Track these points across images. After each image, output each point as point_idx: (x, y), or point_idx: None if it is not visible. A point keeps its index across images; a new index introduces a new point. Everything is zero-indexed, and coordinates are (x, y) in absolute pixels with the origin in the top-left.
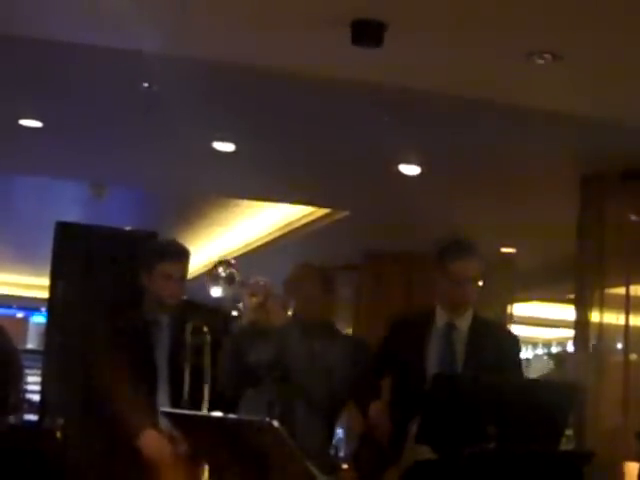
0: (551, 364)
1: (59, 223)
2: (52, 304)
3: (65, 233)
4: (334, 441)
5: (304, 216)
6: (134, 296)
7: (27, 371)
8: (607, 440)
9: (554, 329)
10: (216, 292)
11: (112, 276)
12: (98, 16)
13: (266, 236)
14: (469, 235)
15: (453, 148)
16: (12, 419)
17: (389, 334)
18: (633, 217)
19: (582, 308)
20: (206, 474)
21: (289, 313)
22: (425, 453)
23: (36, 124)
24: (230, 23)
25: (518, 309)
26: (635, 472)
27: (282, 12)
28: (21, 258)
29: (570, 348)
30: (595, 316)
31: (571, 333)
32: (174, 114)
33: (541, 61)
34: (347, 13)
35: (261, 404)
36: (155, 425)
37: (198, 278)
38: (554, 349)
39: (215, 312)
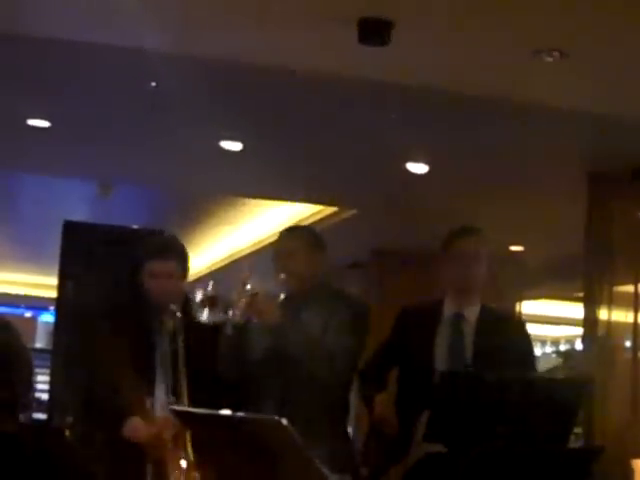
0: (560, 361)
1: (67, 222)
2: (60, 303)
3: (73, 232)
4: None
5: (311, 215)
6: (139, 294)
7: (36, 370)
8: (616, 437)
9: (563, 327)
10: (206, 317)
11: (120, 275)
12: (105, 15)
13: (273, 235)
14: None
15: (461, 146)
16: (22, 418)
17: (396, 325)
18: None
19: (591, 306)
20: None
21: (281, 296)
22: (434, 446)
23: (44, 124)
24: (237, 22)
25: (527, 307)
26: None
27: (289, 11)
28: (29, 257)
29: (579, 346)
30: (604, 314)
31: (580, 331)
32: (181, 113)
33: (549, 59)
34: (353, 12)
35: (265, 394)
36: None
37: (206, 277)
38: (563, 347)
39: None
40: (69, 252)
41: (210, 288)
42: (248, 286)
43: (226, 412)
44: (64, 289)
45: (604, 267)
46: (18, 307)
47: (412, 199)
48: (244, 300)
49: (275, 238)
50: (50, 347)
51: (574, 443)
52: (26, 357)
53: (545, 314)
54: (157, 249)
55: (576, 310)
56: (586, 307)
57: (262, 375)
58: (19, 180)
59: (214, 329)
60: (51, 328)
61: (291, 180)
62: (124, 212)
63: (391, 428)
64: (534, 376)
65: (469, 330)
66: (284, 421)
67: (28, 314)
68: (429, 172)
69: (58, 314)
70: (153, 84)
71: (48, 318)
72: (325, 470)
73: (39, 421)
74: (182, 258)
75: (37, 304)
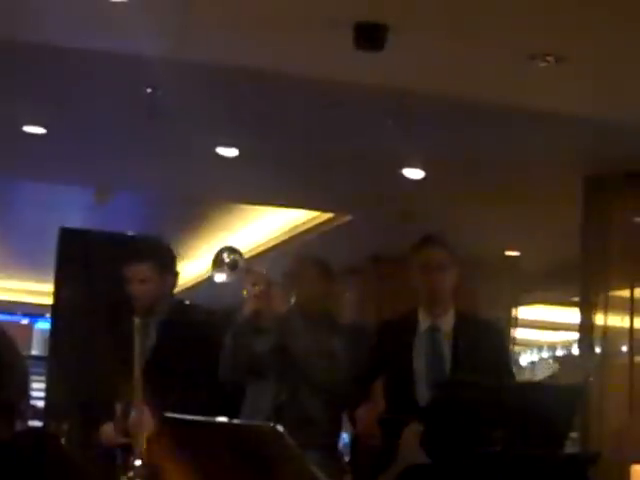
0: (556, 367)
1: (63, 229)
2: (56, 310)
3: (69, 239)
4: (340, 447)
5: (308, 220)
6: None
7: (31, 377)
8: (613, 442)
9: (559, 332)
10: (220, 278)
11: (116, 281)
12: (101, 22)
13: (270, 241)
14: (473, 238)
15: (456, 151)
16: (18, 425)
17: (377, 338)
18: (637, 219)
19: (587, 311)
20: None
21: (291, 301)
22: (418, 457)
23: (40, 130)
24: (233, 27)
25: (523, 312)
26: None
27: (284, 16)
28: (25, 264)
29: (575, 351)
30: (600, 319)
31: (576, 336)
32: (177, 119)
33: (544, 63)
34: (349, 16)
35: (265, 395)
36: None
37: (202, 283)
38: (559, 352)
39: (208, 313)
40: (65, 259)
41: (237, 249)
42: (264, 270)
43: (221, 419)
44: (60, 296)
45: (600, 272)
46: (14, 314)
47: (408, 205)
48: (257, 288)
49: (273, 243)
50: (46, 354)
51: (570, 448)
52: (22, 364)
53: (541, 319)
54: (130, 254)
55: (572, 315)
56: (582, 312)
57: (262, 368)
58: (15, 187)
59: (201, 332)
60: (47, 335)
61: (287, 186)
62: (121, 218)
63: (375, 440)
64: (530, 382)
65: (445, 340)
66: (279, 428)
67: (24, 321)
68: (425, 178)
69: (54, 321)
70: (149, 90)
71: (44, 325)
72: (322, 477)
73: (35, 428)
74: (159, 261)
75: (33, 311)
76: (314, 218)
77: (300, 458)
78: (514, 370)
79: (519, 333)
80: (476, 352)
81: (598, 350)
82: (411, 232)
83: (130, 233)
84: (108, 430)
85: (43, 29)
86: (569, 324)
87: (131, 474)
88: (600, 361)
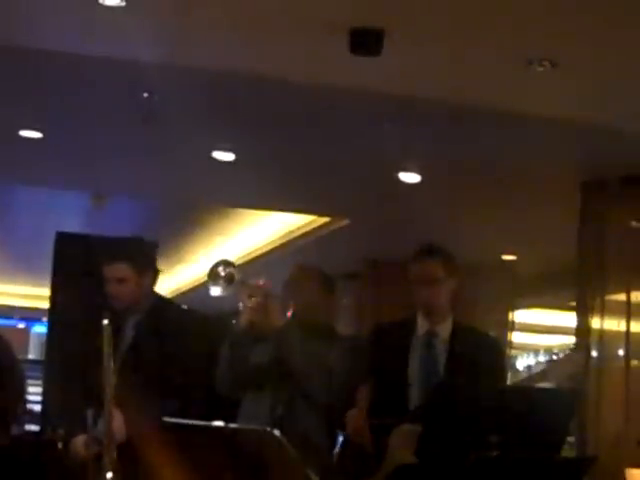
0: (546, 366)
1: (59, 233)
2: (53, 314)
3: (65, 243)
4: (336, 447)
5: (304, 224)
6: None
7: (28, 381)
8: (609, 446)
9: (555, 336)
10: (215, 291)
11: None
12: (98, 27)
13: (266, 245)
14: (470, 242)
15: (453, 155)
16: (14, 430)
17: (371, 341)
18: (633, 223)
19: (583, 315)
20: None
21: (288, 314)
22: (407, 458)
23: (36, 135)
24: (229, 33)
25: (519, 316)
26: (638, 479)
27: (281, 22)
28: (22, 268)
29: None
30: (596, 323)
31: (572, 340)
32: (174, 124)
33: (540, 68)
34: (345, 22)
35: (262, 407)
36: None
37: (199, 287)
38: (555, 356)
39: (187, 313)
40: (62, 263)
41: (232, 263)
42: (261, 282)
43: (219, 423)
44: (56, 300)
45: (596, 276)
46: (11, 318)
47: (405, 209)
48: (254, 300)
49: (270, 247)
50: (43, 358)
51: (567, 452)
52: (18, 369)
53: (538, 323)
54: (107, 254)
55: (569, 319)
56: (579, 316)
57: (259, 379)
58: (12, 191)
59: (179, 332)
60: (44, 339)
61: (284, 190)
62: (117, 223)
63: (365, 442)
64: (526, 385)
65: (441, 347)
66: (276, 432)
67: (21, 325)
68: (421, 182)
69: (51, 325)
70: (145, 95)
71: (41, 329)
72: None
73: (31, 433)
74: (137, 261)
75: (30, 315)
76: (311, 222)
77: (297, 462)
78: (509, 377)
79: (516, 337)
80: (471, 362)
81: (594, 354)
82: (408, 236)
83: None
84: (77, 443)
85: (40, 34)
86: (565, 328)
87: None
88: (595, 364)
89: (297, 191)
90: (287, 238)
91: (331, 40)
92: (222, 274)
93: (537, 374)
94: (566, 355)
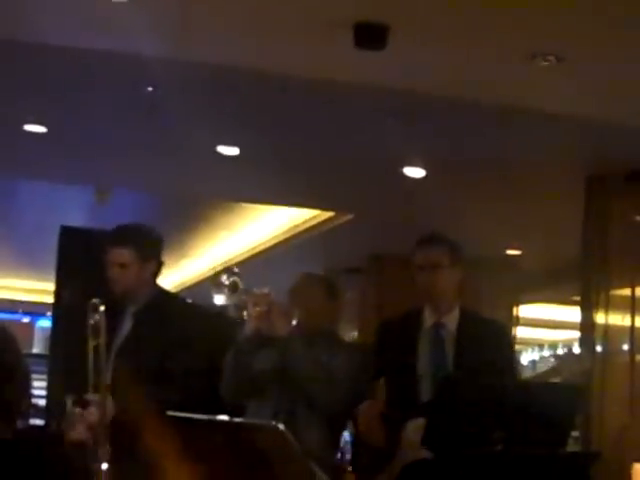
0: (555, 363)
1: (63, 228)
2: (57, 308)
3: (69, 237)
4: (341, 444)
5: (308, 219)
6: None
7: (33, 375)
8: (614, 441)
9: (560, 330)
10: (219, 300)
11: None
12: (101, 21)
13: (270, 239)
14: (474, 236)
15: (457, 150)
16: (19, 424)
17: (378, 337)
18: (638, 218)
19: (588, 309)
20: None
21: (293, 322)
22: (420, 453)
23: (40, 129)
24: (233, 27)
25: (524, 311)
26: None
27: (285, 16)
28: (26, 263)
29: (576, 350)
30: (601, 317)
31: (577, 335)
32: (178, 118)
33: (545, 63)
34: (350, 16)
35: (265, 415)
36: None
37: (203, 282)
38: (560, 351)
39: (190, 306)
40: (66, 257)
41: (236, 271)
42: (265, 291)
43: (223, 417)
44: (61, 294)
45: (601, 270)
46: (15, 312)
47: (409, 203)
48: (258, 309)
49: (274, 242)
50: (47, 352)
51: (572, 447)
52: (23, 363)
53: (542, 318)
54: (110, 238)
55: (573, 314)
56: (583, 311)
57: (262, 386)
58: (16, 186)
59: (177, 325)
60: (48, 333)
61: (288, 185)
62: (121, 217)
63: (377, 437)
64: (530, 380)
65: (450, 338)
66: (281, 426)
67: (25, 319)
68: (426, 176)
69: (55, 319)
70: (149, 89)
71: (45, 323)
72: (322, 475)
73: (36, 427)
74: (141, 247)
75: (34, 309)
76: (315, 217)
77: (301, 456)
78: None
79: (520, 331)
80: (480, 351)
81: (599, 349)
82: (412, 231)
83: None
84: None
85: (44, 29)
86: (570, 322)
87: None
88: (599, 359)
89: (301, 186)
90: (291, 233)
91: (336, 34)
92: (226, 282)
93: (547, 371)
94: (574, 353)
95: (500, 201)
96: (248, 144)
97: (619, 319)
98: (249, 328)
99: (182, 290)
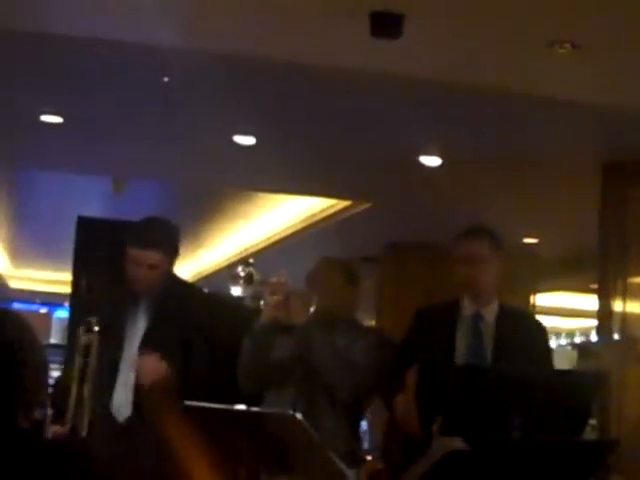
0: (575, 354)
1: (81, 218)
2: (75, 299)
3: (87, 228)
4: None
5: (325, 208)
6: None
7: (50, 366)
8: (631, 429)
9: (577, 319)
10: (236, 291)
11: None
12: (118, 11)
13: (288, 228)
14: (490, 225)
15: (474, 139)
16: (37, 414)
17: (414, 325)
18: None
19: (605, 298)
20: None
21: (311, 309)
22: (455, 443)
23: (57, 120)
24: (249, 16)
25: (541, 299)
26: None
27: (301, 5)
28: (44, 253)
29: (594, 338)
30: (618, 305)
31: (594, 323)
32: (195, 108)
33: (562, 50)
34: (365, 5)
35: (284, 403)
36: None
37: (220, 272)
38: (578, 339)
39: (207, 294)
40: (83, 248)
41: (251, 262)
42: (282, 279)
43: (241, 407)
44: (78, 285)
45: (618, 259)
46: (33, 303)
47: (426, 192)
48: (275, 298)
49: (291, 231)
50: (64, 343)
51: (590, 435)
52: (40, 354)
53: (560, 306)
54: (139, 237)
55: (591, 302)
56: (601, 299)
57: (280, 375)
58: (33, 176)
59: (191, 310)
60: (66, 324)
61: (305, 174)
62: (138, 208)
63: (414, 429)
64: (549, 369)
65: (488, 330)
66: (299, 415)
67: (43, 310)
68: (442, 165)
69: (72, 310)
70: (166, 79)
71: (63, 314)
72: (340, 464)
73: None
74: (169, 247)
75: (52, 300)
76: (332, 206)
77: (318, 445)
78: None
79: None
80: (518, 345)
81: (616, 337)
82: (429, 220)
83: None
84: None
85: (60, 19)
86: (587, 311)
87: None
88: (617, 347)
89: (318, 175)
90: (308, 222)
91: (352, 23)
92: (241, 274)
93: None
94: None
95: (517, 189)
96: (264, 133)
97: (637, 307)
98: (266, 316)
99: (199, 280)
